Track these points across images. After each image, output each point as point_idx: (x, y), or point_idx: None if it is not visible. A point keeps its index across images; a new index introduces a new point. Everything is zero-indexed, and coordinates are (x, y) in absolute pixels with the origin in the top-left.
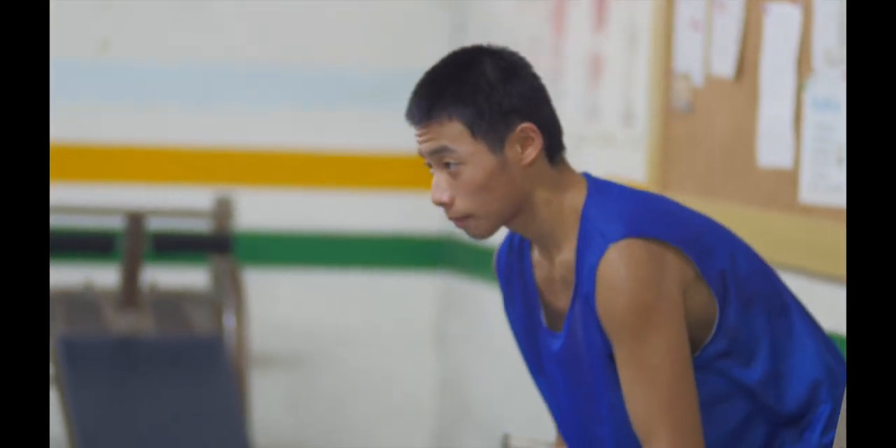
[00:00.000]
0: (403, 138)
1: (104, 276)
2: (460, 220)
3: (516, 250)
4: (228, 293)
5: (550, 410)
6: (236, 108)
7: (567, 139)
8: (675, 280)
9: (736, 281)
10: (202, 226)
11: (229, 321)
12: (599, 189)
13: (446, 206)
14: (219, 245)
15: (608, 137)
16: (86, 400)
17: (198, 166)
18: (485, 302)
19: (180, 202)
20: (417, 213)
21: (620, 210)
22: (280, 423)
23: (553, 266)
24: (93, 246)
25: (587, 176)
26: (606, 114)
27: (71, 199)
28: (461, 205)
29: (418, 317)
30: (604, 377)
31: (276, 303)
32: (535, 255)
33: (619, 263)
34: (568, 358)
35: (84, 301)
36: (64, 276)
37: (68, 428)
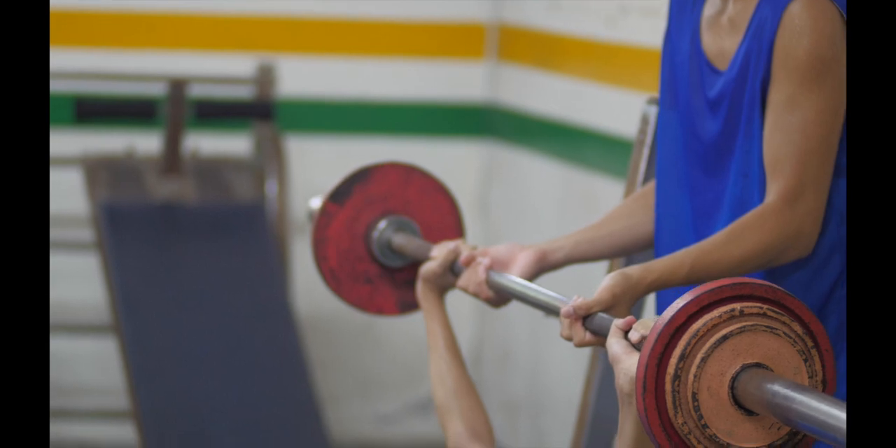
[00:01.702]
0: (448, 6)
1: (146, 142)
2: None
3: None
4: (270, 160)
5: (658, 148)
6: None
7: None
8: (844, 51)
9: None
10: (244, 92)
11: (271, 188)
12: None
13: None
14: (261, 112)
15: None
16: (127, 265)
17: (241, 33)
18: (528, 170)
19: (223, 69)
20: (462, 80)
21: None
22: (321, 289)
23: (726, 5)
24: (135, 112)
25: None
26: None
27: (114, 66)
28: None
29: (461, 185)
30: (750, 117)
31: (317, 169)
32: None
33: (806, 14)
34: (722, 96)
35: (126, 167)
36: (106, 142)
37: (110, 293)
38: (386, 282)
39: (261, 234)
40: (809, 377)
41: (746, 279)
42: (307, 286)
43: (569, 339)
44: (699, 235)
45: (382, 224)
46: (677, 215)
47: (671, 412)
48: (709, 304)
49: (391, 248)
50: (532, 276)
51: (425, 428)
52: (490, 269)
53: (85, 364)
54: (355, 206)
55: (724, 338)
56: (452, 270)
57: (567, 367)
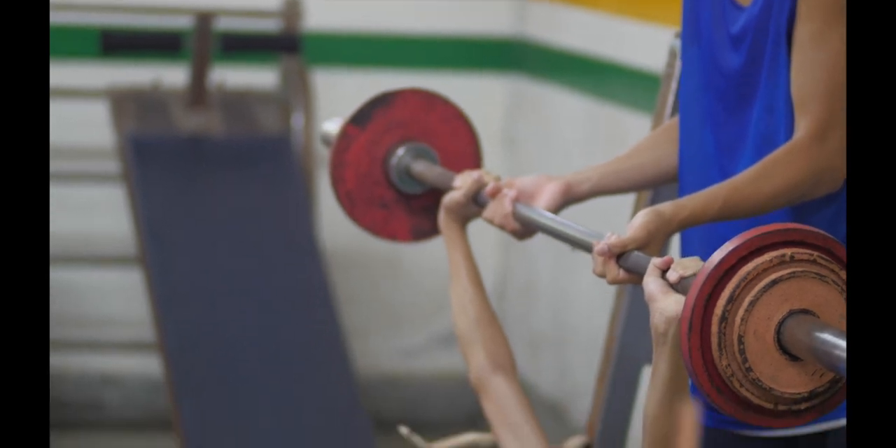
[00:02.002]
0: None
1: (173, 75)
2: None
3: None
4: (296, 93)
5: (681, 84)
6: None
7: None
8: None
9: None
10: (271, 25)
11: (297, 121)
12: None
13: None
14: (287, 45)
15: None
16: (153, 197)
17: None
18: (555, 105)
19: (249, 2)
20: (490, 14)
21: None
22: (347, 222)
23: None
24: (161, 45)
25: None
26: None
27: None
28: None
29: (487, 119)
30: (776, 53)
31: (343, 102)
32: None
33: None
34: (745, 32)
35: (153, 100)
36: (133, 75)
37: (136, 225)
38: (401, 208)
39: (287, 166)
40: None
41: (798, 225)
42: (333, 219)
43: (602, 276)
44: (723, 171)
45: (402, 150)
46: (700, 151)
47: (716, 354)
48: (759, 248)
49: (410, 174)
50: (558, 208)
51: (449, 361)
52: (516, 200)
53: (111, 296)
54: (376, 129)
55: (774, 282)
56: (476, 200)
57: (592, 300)
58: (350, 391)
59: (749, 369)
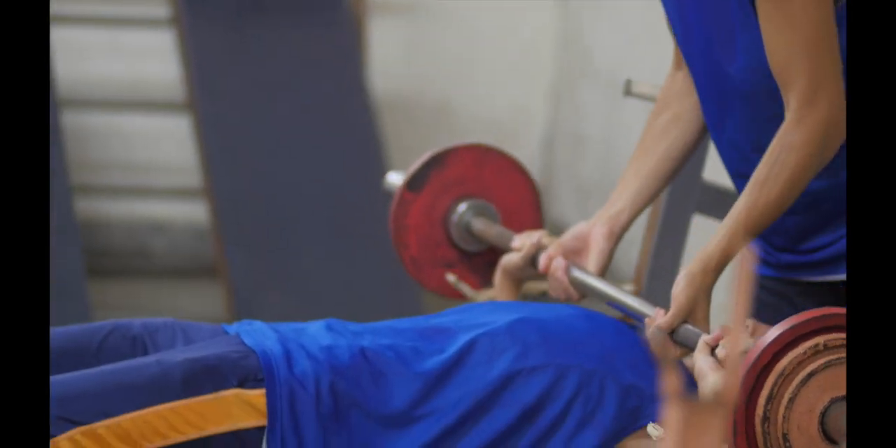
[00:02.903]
0: None
1: None
2: None
3: None
4: None
5: (680, 47)
6: None
7: None
8: None
9: None
10: None
11: None
12: None
13: None
14: None
15: None
16: (204, 42)
17: None
18: None
19: None
20: None
21: None
22: (398, 71)
23: None
24: None
25: None
26: None
27: None
28: None
29: None
30: (741, 16)
31: None
32: None
33: None
34: None
35: None
36: None
37: (186, 70)
38: (465, 266)
39: (339, 13)
40: None
41: (827, 310)
42: (384, 67)
43: (663, 355)
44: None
45: (461, 208)
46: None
47: None
48: (793, 341)
49: (471, 232)
50: (611, 254)
51: None
52: (569, 267)
53: (160, 142)
54: (432, 192)
55: (811, 375)
56: (534, 263)
57: None
58: None
59: None
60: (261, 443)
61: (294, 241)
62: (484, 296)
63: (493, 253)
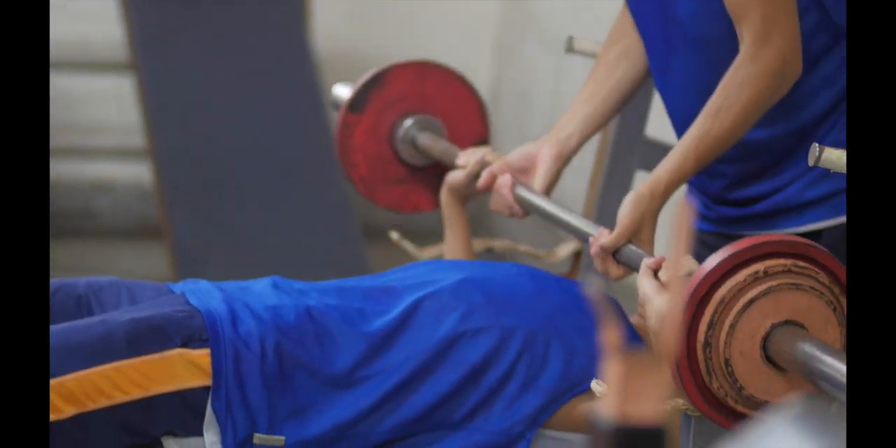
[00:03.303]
0: None
1: None
2: None
3: None
4: None
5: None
6: None
7: None
8: None
9: None
10: None
11: None
12: None
13: None
14: None
15: None
16: (149, 3)
17: None
18: None
19: None
20: None
21: None
22: (342, 32)
23: None
24: None
25: None
26: None
27: None
28: None
29: None
30: None
31: None
32: None
33: None
34: None
35: None
36: None
37: (129, 31)
38: (417, 180)
39: None
40: (840, 324)
41: (768, 237)
42: (327, 29)
43: (605, 273)
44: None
45: (406, 124)
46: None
47: (706, 378)
48: (732, 268)
49: (417, 148)
50: (557, 175)
51: None
52: (514, 185)
53: (102, 103)
54: (375, 111)
55: (751, 301)
56: (478, 180)
57: None
58: (340, 198)
59: (741, 388)
60: (206, 403)
61: (238, 201)
62: (428, 253)
63: (442, 165)
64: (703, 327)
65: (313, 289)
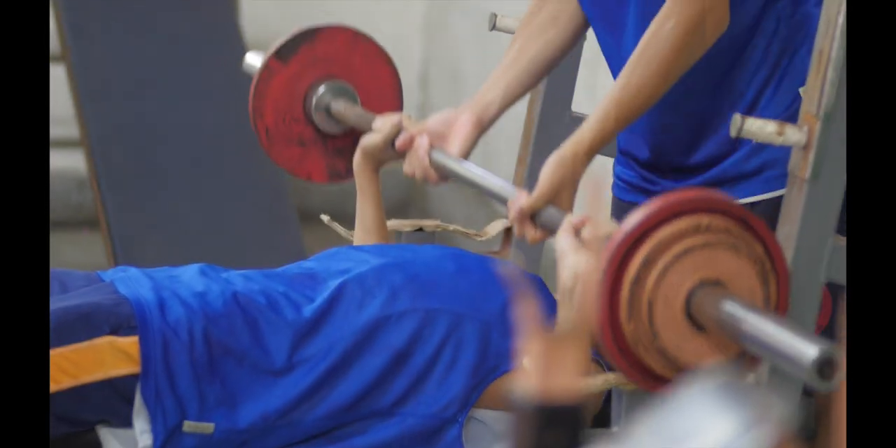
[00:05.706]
0: None
1: None
2: None
3: None
4: None
5: None
6: None
7: None
8: None
9: None
10: None
11: None
12: None
13: None
14: None
15: None
16: None
17: None
18: None
19: None
20: None
21: None
22: (272, 13)
23: None
24: None
25: None
26: None
27: None
28: None
29: None
30: None
31: None
32: None
33: None
34: None
35: None
36: None
37: (57, 21)
38: (318, 147)
39: None
40: (764, 299)
41: (720, 195)
42: (254, 13)
43: (522, 237)
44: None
45: (323, 87)
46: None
47: (624, 316)
48: (678, 213)
49: (329, 112)
50: (475, 142)
51: None
52: (431, 149)
53: None
54: (300, 63)
55: (688, 250)
56: (394, 145)
57: None
58: (276, 182)
59: (655, 335)
60: (135, 391)
61: (173, 187)
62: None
63: (349, 138)
64: (637, 261)
65: (240, 276)
